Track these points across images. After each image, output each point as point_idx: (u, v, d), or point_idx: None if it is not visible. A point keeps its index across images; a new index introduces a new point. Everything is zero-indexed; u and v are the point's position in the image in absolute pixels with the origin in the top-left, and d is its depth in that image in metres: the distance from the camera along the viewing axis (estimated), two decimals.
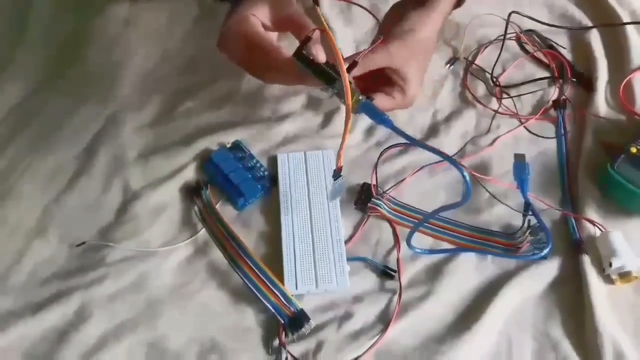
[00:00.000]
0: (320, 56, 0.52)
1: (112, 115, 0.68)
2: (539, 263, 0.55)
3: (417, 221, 0.59)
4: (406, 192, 0.61)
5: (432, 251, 0.57)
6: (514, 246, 0.56)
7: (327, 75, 0.51)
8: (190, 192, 0.61)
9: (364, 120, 0.66)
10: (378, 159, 0.62)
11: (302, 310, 0.53)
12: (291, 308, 0.53)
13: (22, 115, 0.69)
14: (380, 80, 0.60)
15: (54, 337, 0.53)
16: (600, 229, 0.56)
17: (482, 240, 0.57)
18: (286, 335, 0.52)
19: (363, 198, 0.60)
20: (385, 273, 0.56)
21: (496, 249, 0.57)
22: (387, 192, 0.61)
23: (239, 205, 0.60)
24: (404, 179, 0.62)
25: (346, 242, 0.58)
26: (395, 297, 0.54)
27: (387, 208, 0.59)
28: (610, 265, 0.53)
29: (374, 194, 0.60)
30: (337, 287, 0.55)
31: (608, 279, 0.54)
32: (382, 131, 0.65)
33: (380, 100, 0.58)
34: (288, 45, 0.55)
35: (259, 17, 0.55)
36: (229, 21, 0.56)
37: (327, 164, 0.63)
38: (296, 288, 0.55)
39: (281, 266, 0.56)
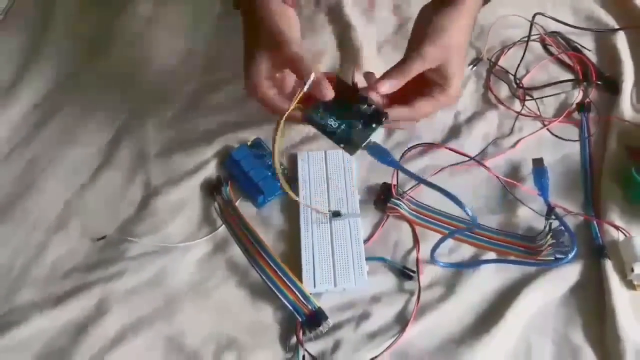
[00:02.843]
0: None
1: (135, 110, 0.69)
2: (561, 267, 0.54)
3: (436, 222, 0.58)
4: (426, 192, 0.60)
5: (455, 265, 0.56)
6: (536, 250, 0.55)
7: (335, 137, 0.53)
8: (211, 189, 0.62)
9: None
10: (400, 159, 0.61)
11: (320, 308, 0.53)
12: (309, 306, 0.53)
13: (46, 109, 0.70)
14: (418, 84, 0.59)
15: (73, 329, 0.54)
16: (624, 234, 0.56)
17: (503, 243, 0.57)
18: (304, 333, 0.52)
19: (382, 198, 0.60)
20: (404, 273, 0.55)
21: (517, 252, 0.56)
22: (407, 192, 0.60)
23: (259, 202, 0.61)
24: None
25: (365, 241, 0.58)
26: (414, 298, 0.54)
27: (406, 208, 0.59)
28: (633, 270, 0.52)
29: (394, 194, 0.60)
30: (355, 286, 0.54)
31: (630, 285, 0.53)
32: (402, 132, 0.65)
33: (422, 106, 0.59)
34: None
35: (263, 61, 0.57)
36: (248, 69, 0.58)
37: (347, 164, 0.63)
38: (314, 286, 0.55)
39: (299, 264, 0.56)
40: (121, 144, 0.66)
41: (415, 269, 0.55)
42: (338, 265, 0.56)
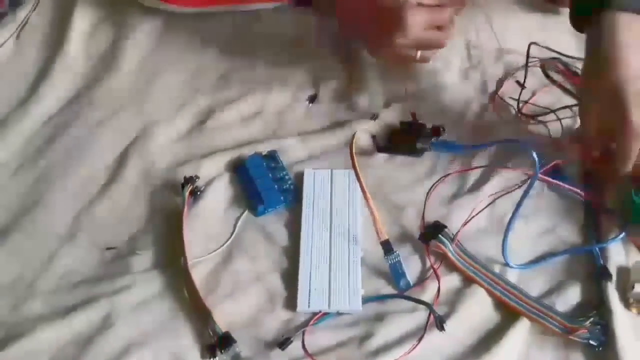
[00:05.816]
0: None
1: (144, 127, 0.70)
2: (563, 289, 0.55)
3: (477, 272, 0.57)
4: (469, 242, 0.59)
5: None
6: (570, 329, 0.52)
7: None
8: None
9: None
10: (429, 190, 0.62)
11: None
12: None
13: (57, 125, 0.71)
14: None
15: (80, 342, 0.54)
16: None
17: (538, 312, 0.54)
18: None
19: (429, 232, 0.58)
20: (440, 323, 0.53)
21: (550, 324, 0.53)
22: (456, 236, 0.58)
23: (258, 211, 0.62)
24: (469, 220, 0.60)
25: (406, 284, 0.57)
26: (417, 318, 0.54)
27: (451, 250, 0.57)
28: (633, 287, 0.53)
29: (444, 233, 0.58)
30: (349, 308, 0.55)
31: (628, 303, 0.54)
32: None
33: None
34: None
35: None
36: None
37: (352, 184, 0.63)
38: (309, 306, 0.55)
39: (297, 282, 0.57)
40: (130, 159, 0.67)
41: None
42: (334, 286, 0.56)
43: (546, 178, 0.61)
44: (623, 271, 0.56)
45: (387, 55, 0.68)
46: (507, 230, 0.55)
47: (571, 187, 0.61)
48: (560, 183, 0.61)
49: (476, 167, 0.64)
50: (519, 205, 0.53)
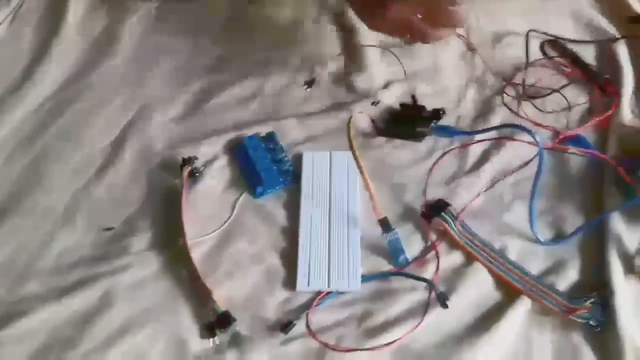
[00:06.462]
0: None
1: (141, 109, 0.70)
2: (562, 266, 0.55)
3: (480, 250, 0.57)
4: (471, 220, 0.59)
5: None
6: (570, 309, 0.52)
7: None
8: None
9: None
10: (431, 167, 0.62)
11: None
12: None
13: (54, 106, 0.71)
14: None
15: (78, 321, 0.54)
16: None
17: (541, 292, 0.54)
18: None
19: (432, 210, 0.58)
20: (441, 299, 0.53)
21: (550, 304, 0.53)
22: (460, 214, 0.58)
23: (257, 193, 0.62)
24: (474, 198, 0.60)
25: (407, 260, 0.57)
26: (416, 297, 0.54)
27: (454, 227, 0.58)
28: None
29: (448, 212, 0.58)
30: (348, 287, 0.55)
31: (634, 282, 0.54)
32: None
33: None
34: None
35: None
36: None
37: (351, 165, 0.63)
38: (308, 285, 0.55)
39: (297, 262, 0.57)
40: (127, 140, 0.67)
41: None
42: (333, 266, 0.56)
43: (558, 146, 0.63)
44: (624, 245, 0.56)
45: (381, 24, 0.65)
46: (531, 205, 0.55)
47: (587, 151, 0.62)
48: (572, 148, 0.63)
49: (479, 140, 0.64)
50: (536, 178, 0.54)
